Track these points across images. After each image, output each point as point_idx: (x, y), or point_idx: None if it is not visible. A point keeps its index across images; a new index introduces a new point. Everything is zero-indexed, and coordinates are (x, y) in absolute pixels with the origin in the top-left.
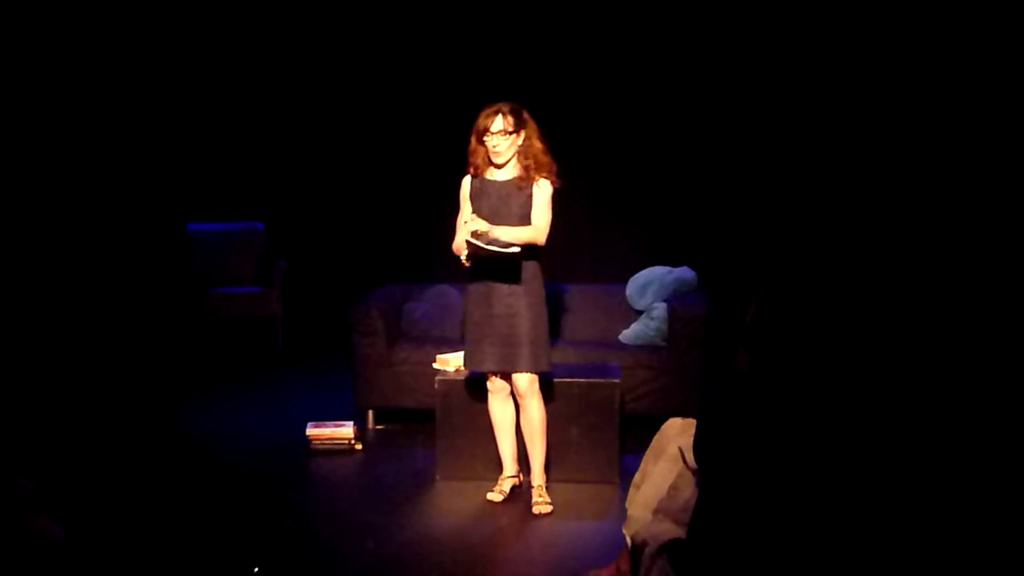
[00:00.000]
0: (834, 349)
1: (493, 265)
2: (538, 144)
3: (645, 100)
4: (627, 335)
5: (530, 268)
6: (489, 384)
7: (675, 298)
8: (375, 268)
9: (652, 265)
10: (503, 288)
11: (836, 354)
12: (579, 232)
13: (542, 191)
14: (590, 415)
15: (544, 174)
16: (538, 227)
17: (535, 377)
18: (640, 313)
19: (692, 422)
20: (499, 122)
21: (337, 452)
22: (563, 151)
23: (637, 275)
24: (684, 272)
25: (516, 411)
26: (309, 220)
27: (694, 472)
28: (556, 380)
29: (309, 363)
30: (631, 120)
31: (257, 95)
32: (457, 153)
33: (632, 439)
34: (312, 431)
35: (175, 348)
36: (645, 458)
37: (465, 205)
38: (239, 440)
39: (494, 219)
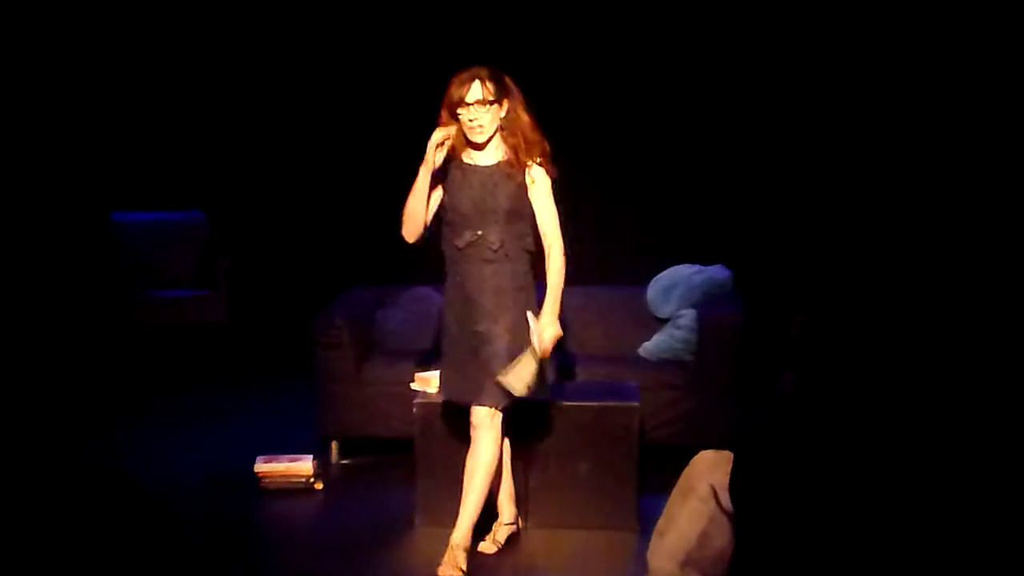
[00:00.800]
0: (899, 369)
1: (473, 267)
2: (525, 118)
3: (671, 68)
4: (648, 348)
5: (521, 276)
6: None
7: (705, 303)
8: (341, 267)
9: (677, 263)
10: (485, 303)
11: (901, 375)
12: (587, 224)
13: (540, 185)
14: (602, 446)
15: (536, 157)
16: (559, 246)
17: (497, 412)
18: (663, 322)
19: (727, 455)
20: (476, 90)
21: (293, 492)
22: (568, 126)
23: (659, 276)
24: (716, 272)
25: (511, 442)
26: (260, 209)
27: (729, 516)
28: (558, 403)
29: (260, 383)
30: (650, 92)
31: (192, 58)
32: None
33: (654, 476)
34: (263, 466)
35: (97, 363)
36: (670, 499)
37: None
38: (174, 477)
39: (476, 215)
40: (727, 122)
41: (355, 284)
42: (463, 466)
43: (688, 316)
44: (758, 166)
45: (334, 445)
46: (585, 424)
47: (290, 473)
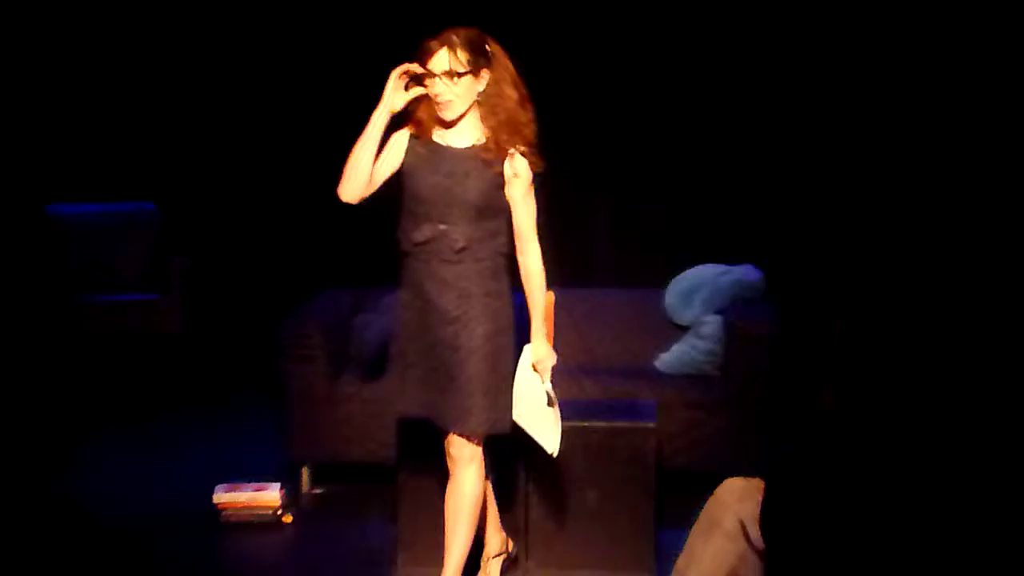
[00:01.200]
0: (955, 383)
1: (432, 268)
2: (511, 94)
3: (696, 49)
4: (666, 360)
5: (490, 281)
6: (445, 442)
7: (733, 309)
8: (312, 268)
9: (700, 263)
10: (447, 305)
11: (957, 390)
12: (599, 218)
13: (521, 178)
14: (615, 473)
15: (520, 144)
16: (537, 252)
17: (479, 441)
18: (685, 330)
19: (758, 484)
20: (444, 59)
21: (258, 526)
22: (581, 110)
23: (680, 277)
24: (745, 272)
25: (492, 463)
26: (219, 200)
27: (760, 554)
28: (566, 423)
29: (219, 400)
30: (674, 72)
31: (136, 28)
32: None
33: (674, 507)
34: (223, 496)
35: (31, 380)
36: (692, 534)
37: (392, 149)
38: (120, 510)
39: (440, 205)
40: (756, 106)
41: (327, 286)
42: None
43: (713, 323)
44: (791, 153)
45: (305, 472)
46: (594, 447)
47: (255, 504)
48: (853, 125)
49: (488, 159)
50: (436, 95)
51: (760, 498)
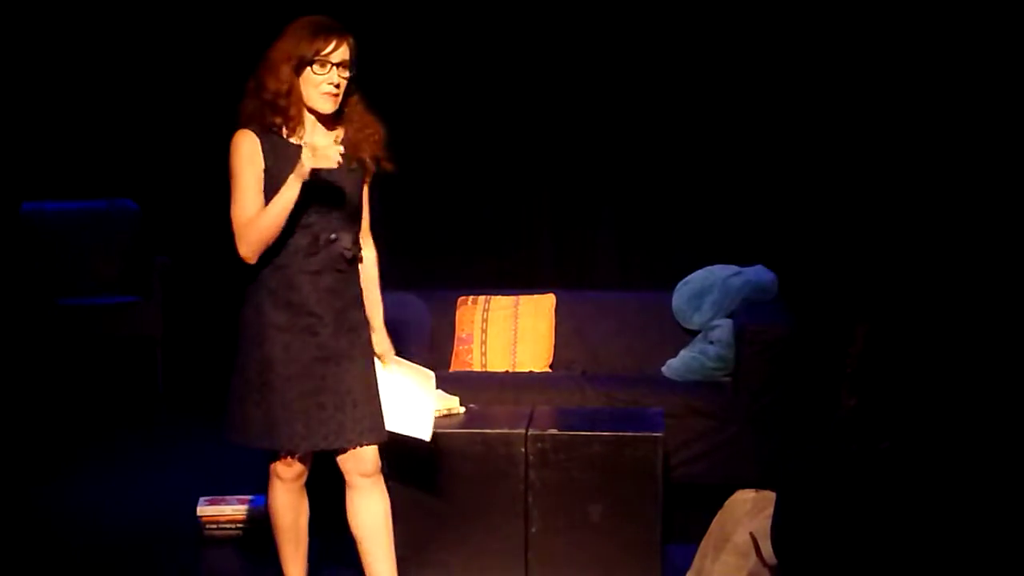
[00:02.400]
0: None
1: (318, 280)
2: (358, 94)
3: (706, 42)
4: (674, 366)
5: (360, 278)
6: (282, 468)
7: (744, 312)
8: None
9: (710, 264)
10: (339, 316)
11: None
12: (602, 217)
13: (368, 179)
14: (619, 486)
15: (376, 139)
16: (372, 244)
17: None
18: (694, 334)
19: (770, 496)
20: (345, 48)
21: (243, 540)
22: (583, 104)
23: (689, 278)
24: (757, 274)
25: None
26: (202, 198)
27: (773, 571)
28: (567, 433)
29: (202, 408)
30: (684, 64)
31: (116, 18)
32: (408, 106)
33: (682, 521)
34: (207, 510)
35: (8, 387)
36: (701, 549)
37: (252, 174)
38: (102, 521)
39: (318, 210)
40: (765, 100)
41: None
42: (452, 505)
43: (723, 328)
44: (802, 145)
45: None
46: (598, 458)
47: (239, 517)
48: (867, 116)
49: (355, 156)
50: (332, 85)
51: (772, 512)
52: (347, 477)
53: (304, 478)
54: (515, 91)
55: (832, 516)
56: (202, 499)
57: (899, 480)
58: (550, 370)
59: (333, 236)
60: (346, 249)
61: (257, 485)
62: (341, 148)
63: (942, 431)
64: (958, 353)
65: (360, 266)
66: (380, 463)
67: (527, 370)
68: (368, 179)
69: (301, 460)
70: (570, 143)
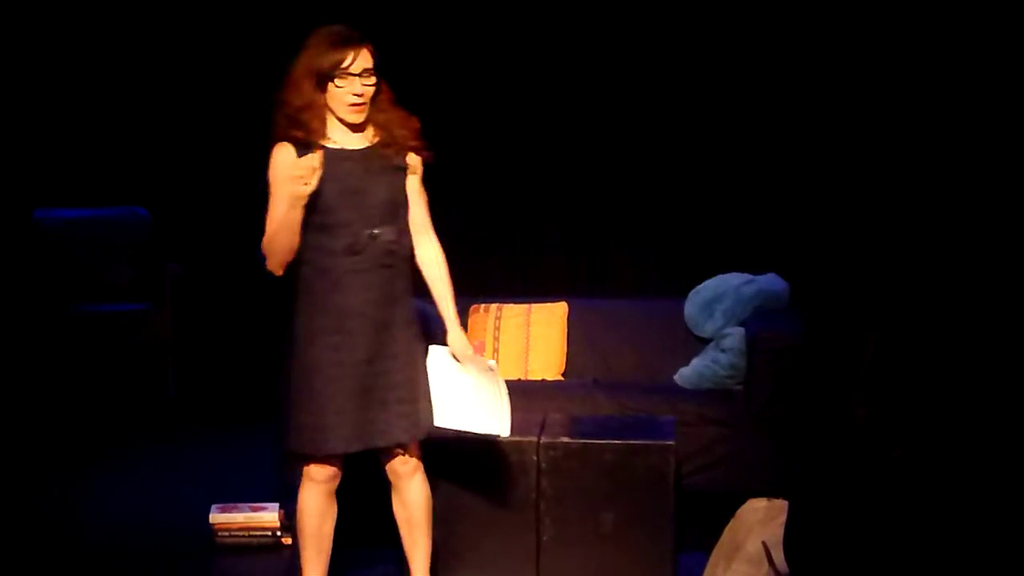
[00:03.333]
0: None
1: (363, 277)
2: (389, 94)
3: (716, 49)
4: (686, 375)
5: (408, 274)
6: (317, 470)
7: (756, 320)
8: None
9: (722, 272)
10: (380, 313)
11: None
12: (614, 224)
13: (418, 171)
14: (631, 494)
15: (411, 136)
16: (436, 241)
17: None
18: (706, 342)
19: (782, 505)
20: (365, 57)
21: (256, 548)
22: (594, 109)
23: (701, 287)
24: (770, 282)
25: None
26: (213, 205)
27: None
28: (579, 441)
29: (214, 415)
30: (697, 68)
31: (128, 26)
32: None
33: (693, 529)
34: (219, 517)
35: (20, 394)
36: (712, 559)
37: (285, 191)
38: (114, 528)
39: (354, 211)
40: (779, 109)
41: None
42: (472, 515)
43: (735, 336)
44: (818, 158)
45: None
46: (609, 467)
47: (252, 525)
48: (880, 127)
49: (390, 155)
50: (356, 95)
51: (784, 520)
52: (389, 471)
53: (336, 482)
54: (528, 100)
55: (845, 525)
56: (214, 506)
57: (912, 488)
58: (562, 378)
59: (375, 232)
60: (390, 242)
61: (270, 494)
62: (315, 160)
63: (954, 439)
64: (969, 361)
65: (423, 264)
66: (420, 454)
67: (539, 378)
68: (414, 173)
69: (336, 464)
70: (583, 151)
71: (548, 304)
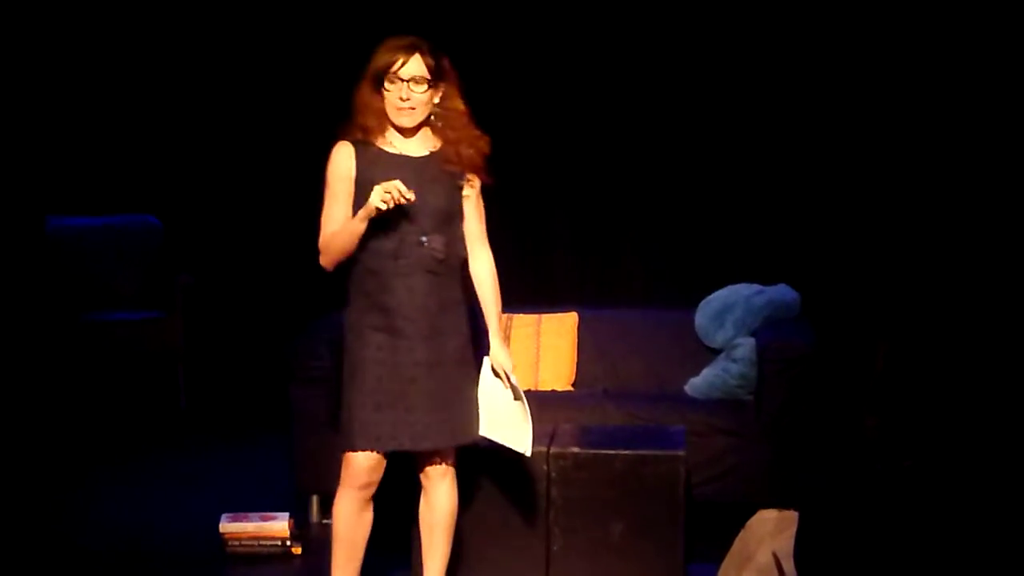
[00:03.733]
0: (1010, 410)
1: (408, 281)
2: (463, 108)
3: (727, 59)
4: (696, 385)
5: (459, 282)
6: (352, 475)
7: (767, 330)
8: (323, 285)
9: (733, 282)
10: (427, 318)
11: (1012, 418)
12: (621, 235)
13: (476, 188)
14: (641, 504)
15: (477, 156)
16: (490, 257)
17: None
18: (716, 352)
19: (792, 516)
20: (416, 64)
21: (266, 557)
22: (604, 118)
23: (712, 297)
24: (780, 292)
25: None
26: (225, 214)
27: None
28: (589, 451)
29: (225, 425)
30: (702, 85)
31: (140, 36)
32: None
33: (704, 540)
34: (229, 526)
35: (31, 402)
36: (723, 569)
37: (341, 188)
38: (123, 538)
39: (412, 215)
40: (790, 119)
41: (340, 305)
42: (479, 526)
43: (745, 346)
44: (828, 169)
45: (314, 501)
46: (619, 476)
47: (262, 534)
48: (890, 139)
49: (449, 168)
50: (402, 99)
51: (794, 531)
52: (421, 474)
53: (371, 490)
54: (539, 107)
55: (855, 535)
56: (224, 516)
57: (922, 499)
58: (572, 388)
59: (423, 239)
60: (436, 251)
61: (278, 503)
62: (407, 191)
63: (964, 449)
64: (978, 371)
65: (474, 275)
66: (453, 462)
67: (549, 388)
68: (471, 188)
69: (373, 469)
70: (593, 161)
71: (558, 314)
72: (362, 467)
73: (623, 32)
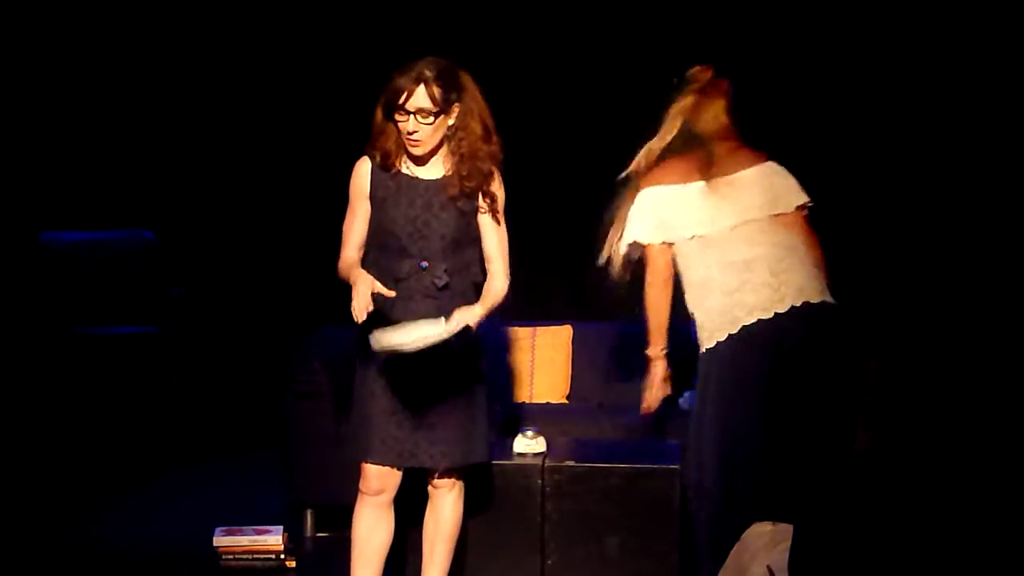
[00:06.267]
0: (1005, 425)
1: (411, 305)
2: (477, 128)
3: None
4: (691, 398)
5: (465, 305)
6: (365, 483)
7: None
8: (318, 299)
9: None
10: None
11: (1007, 432)
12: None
13: (493, 206)
14: (636, 519)
15: (490, 176)
16: (505, 274)
17: None
18: None
19: (787, 529)
20: (420, 96)
21: (260, 571)
22: (598, 128)
23: None
24: None
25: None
26: (219, 229)
27: None
28: (584, 465)
29: (219, 438)
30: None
31: (133, 47)
32: None
33: (698, 554)
34: (223, 540)
35: (25, 417)
36: None
37: (359, 205)
38: (118, 552)
39: (416, 239)
40: (777, 138)
41: (335, 319)
42: (475, 540)
43: None
44: (814, 184)
45: (309, 515)
46: (614, 491)
47: (256, 548)
48: (881, 140)
49: (459, 189)
50: (410, 133)
51: (788, 545)
52: (429, 485)
53: (388, 497)
54: (534, 120)
55: (850, 549)
56: (218, 529)
57: (917, 513)
58: (567, 401)
59: (423, 264)
60: (436, 278)
61: (272, 517)
62: (366, 305)
63: (959, 462)
64: (970, 382)
65: (484, 289)
66: (462, 476)
67: (544, 401)
68: (485, 211)
69: (386, 478)
70: (589, 174)
71: (553, 327)
72: (375, 475)
73: (615, 49)
